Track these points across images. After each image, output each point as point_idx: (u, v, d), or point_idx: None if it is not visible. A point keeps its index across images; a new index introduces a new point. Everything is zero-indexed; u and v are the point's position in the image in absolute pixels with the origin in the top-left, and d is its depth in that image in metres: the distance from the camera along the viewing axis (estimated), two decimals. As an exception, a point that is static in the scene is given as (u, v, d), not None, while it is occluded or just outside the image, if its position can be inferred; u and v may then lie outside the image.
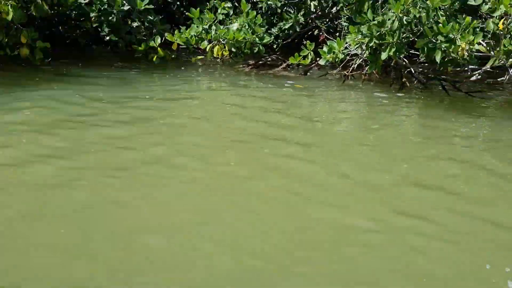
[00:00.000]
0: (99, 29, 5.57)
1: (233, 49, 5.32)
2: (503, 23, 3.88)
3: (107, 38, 5.65)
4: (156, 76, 5.35)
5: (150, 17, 5.69)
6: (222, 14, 5.79)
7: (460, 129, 3.91)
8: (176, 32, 5.52)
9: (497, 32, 3.95)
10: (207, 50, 5.48)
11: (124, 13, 5.51)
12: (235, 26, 5.31)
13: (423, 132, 3.91)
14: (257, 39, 5.33)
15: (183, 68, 5.77)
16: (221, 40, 5.38)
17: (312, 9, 5.82)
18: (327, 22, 6.00)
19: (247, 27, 5.28)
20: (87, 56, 6.04)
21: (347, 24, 5.39)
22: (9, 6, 4.58)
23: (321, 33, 5.99)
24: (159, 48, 5.54)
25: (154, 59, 5.59)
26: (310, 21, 6.05)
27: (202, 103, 4.49)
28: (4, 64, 5.17)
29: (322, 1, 5.81)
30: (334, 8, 5.91)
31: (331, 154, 3.33)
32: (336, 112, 4.47)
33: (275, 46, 6.21)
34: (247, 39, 5.29)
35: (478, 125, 4.06)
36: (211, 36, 5.46)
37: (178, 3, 6.77)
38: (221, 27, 5.51)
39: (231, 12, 5.83)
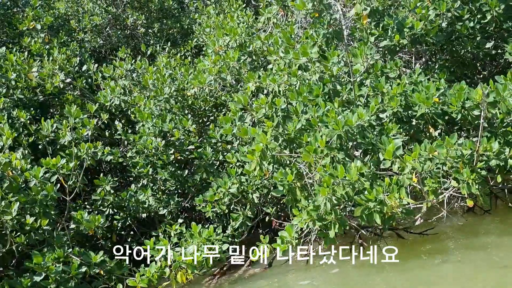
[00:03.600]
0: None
1: (195, 271, 5.55)
2: (415, 176, 4.46)
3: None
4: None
5: (107, 264, 5.90)
6: (176, 236, 6.15)
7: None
8: (137, 275, 5.71)
9: (414, 183, 4.51)
10: (170, 278, 5.67)
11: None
12: (191, 249, 5.62)
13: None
14: (216, 253, 5.62)
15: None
16: (182, 266, 5.62)
17: (256, 201, 6.34)
18: (274, 206, 6.50)
19: (202, 246, 5.60)
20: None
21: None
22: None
23: (272, 219, 6.44)
24: (123, 297, 5.66)
25: (121, 311, 5.66)
26: (257, 211, 6.53)
27: None
28: None
29: (263, 191, 6.36)
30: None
31: None
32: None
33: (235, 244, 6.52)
34: (206, 257, 5.57)
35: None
36: (171, 263, 5.71)
37: (131, 233, 7.16)
38: (177, 251, 5.80)
39: (184, 230, 6.21)
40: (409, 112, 5.42)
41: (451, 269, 4.29)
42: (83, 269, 5.59)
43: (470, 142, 4.85)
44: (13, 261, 5.80)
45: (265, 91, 6.41)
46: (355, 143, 5.40)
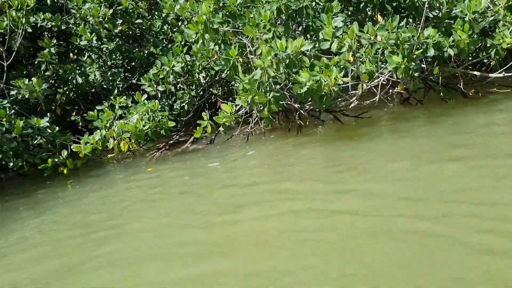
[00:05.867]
0: (3, 161, 5.84)
1: (139, 140, 5.78)
2: (352, 55, 4.65)
3: (11, 164, 5.88)
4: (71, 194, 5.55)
5: (50, 131, 6.03)
6: (120, 109, 6.28)
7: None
8: (82, 141, 5.89)
9: (351, 64, 4.72)
10: (113, 147, 5.91)
11: (25, 135, 5.84)
12: (134, 118, 5.79)
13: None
14: (161, 125, 5.83)
15: (96, 173, 6.08)
16: (125, 135, 5.82)
17: (202, 81, 6.46)
18: (220, 87, 6.65)
19: (147, 115, 5.78)
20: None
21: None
22: None
23: (217, 99, 6.62)
24: (67, 161, 5.89)
25: (65, 171, 5.92)
26: (204, 91, 6.68)
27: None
28: None
29: (210, 72, 6.45)
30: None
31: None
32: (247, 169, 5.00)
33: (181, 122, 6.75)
34: (150, 127, 5.78)
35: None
36: (114, 133, 5.91)
37: (76, 108, 7.23)
38: (122, 121, 5.98)
39: (129, 104, 6.33)
40: (360, -5, 5.46)
41: (372, 149, 4.68)
42: (28, 130, 5.71)
43: (411, 27, 5.01)
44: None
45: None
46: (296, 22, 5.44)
